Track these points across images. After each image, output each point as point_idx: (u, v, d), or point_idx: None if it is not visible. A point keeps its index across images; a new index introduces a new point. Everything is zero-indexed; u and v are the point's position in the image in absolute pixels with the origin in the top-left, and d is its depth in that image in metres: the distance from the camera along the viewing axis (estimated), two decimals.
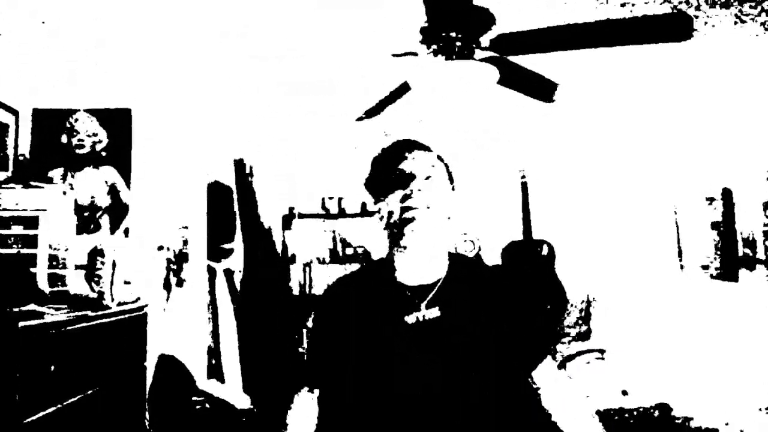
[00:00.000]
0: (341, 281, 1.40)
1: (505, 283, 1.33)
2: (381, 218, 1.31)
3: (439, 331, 1.24)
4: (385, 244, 1.36)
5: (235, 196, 4.28)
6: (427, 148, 1.34)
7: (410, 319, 1.26)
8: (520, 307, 1.32)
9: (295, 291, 5.39)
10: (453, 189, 1.35)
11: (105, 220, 2.91)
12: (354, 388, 1.27)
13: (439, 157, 1.35)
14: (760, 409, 3.42)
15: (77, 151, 2.98)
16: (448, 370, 1.21)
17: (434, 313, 1.25)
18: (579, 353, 4.20)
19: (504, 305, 1.30)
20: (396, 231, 1.27)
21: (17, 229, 2.42)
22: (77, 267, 2.61)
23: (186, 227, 3.53)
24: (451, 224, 1.31)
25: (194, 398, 3.09)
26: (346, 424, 1.28)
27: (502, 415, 1.23)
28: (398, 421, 1.21)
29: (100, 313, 2.37)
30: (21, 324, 1.88)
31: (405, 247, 1.28)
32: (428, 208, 1.25)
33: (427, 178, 1.27)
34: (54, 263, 2.47)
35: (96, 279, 2.59)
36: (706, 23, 2.59)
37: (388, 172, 1.30)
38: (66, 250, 2.56)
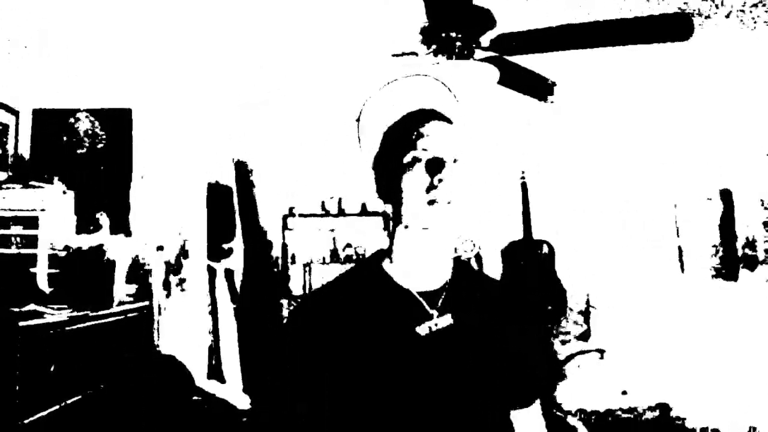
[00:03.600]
0: (319, 297, 1.13)
1: (513, 296, 1.18)
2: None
3: (454, 341, 1.05)
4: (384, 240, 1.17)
5: (235, 196, 4.28)
6: (448, 120, 1.12)
7: (422, 329, 1.05)
8: (526, 322, 1.16)
9: (297, 291, 5.39)
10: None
11: (105, 220, 2.91)
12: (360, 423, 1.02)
13: (459, 126, 1.14)
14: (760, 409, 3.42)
15: (77, 151, 2.98)
16: (467, 386, 1.03)
17: (447, 320, 1.06)
18: (579, 353, 4.20)
19: (513, 319, 1.14)
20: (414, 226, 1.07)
21: (17, 229, 2.42)
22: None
23: (186, 227, 3.53)
24: (468, 214, 1.10)
25: (194, 398, 3.09)
26: None
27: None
28: None
29: (100, 313, 2.37)
30: (21, 324, 1.88)
31: (416, 246, 1.09)
32: (449, 203, 1.04)
33: (455, 161, 1.06)
34: (54, 263, 2.47)
35: (96, 279, 2.59)
36: (705, 22, 2.59)
37: (406, 148, 1.07)
38: (66, 249, 2.56)
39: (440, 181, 1.03)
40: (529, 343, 1.14)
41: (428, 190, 1.04)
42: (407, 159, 1.07)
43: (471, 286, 1.14)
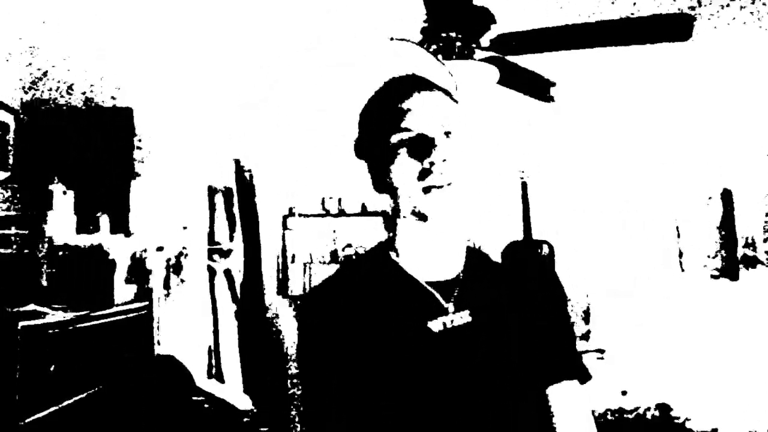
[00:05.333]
0: (326, 286, 1.01)
1: (531, 285, 1.06)
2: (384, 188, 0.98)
3: (471, 340, 0.93)
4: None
5: (235, 196, 4.28)
6: (435, 87, 0.97)
7: (435, 325, 0.93)
8: (546, 312, 1.05)
9: (297, 291, 5.39)
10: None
11: (105, 220, 2.91)
12: (366, 421, 0.93)
13: (449, 95, 0.98)
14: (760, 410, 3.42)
15: (77, 151, 2.98)
16: (483, 388, 0.93)
17: (464, 317, 0.94)
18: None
19: (532, 309, 1.02)
20: (417, 216, 0.95)
21: (17, 229, 2.42)
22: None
23: (186, 227, 3.53)
24: (472, 189, 0.98)
25: (194, 398, 3.09)
26: None
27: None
28: None
29: (100, 313, 2.37)
30: (21, 324, 1.88)
31: (420, 238, 0.98)
32: (449, 185, 0.91)
33: (447, 134, 0.93)
34: (54, 263, 2.47)
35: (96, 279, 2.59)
36: (707, 21, 2.59)
37: (388, 131, 0.94)
38: (66, 249, 2.56)
39: (432, 164, 0.90)
40: (548, 333, 1.03)
41: (420, 176, 0.91)
42: (392, 143, 0.93)
43: (487, 277, 1.02)
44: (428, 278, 0.97)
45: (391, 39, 1.02)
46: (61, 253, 2.52)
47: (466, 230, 1.05)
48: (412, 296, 0.96)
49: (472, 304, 0.96)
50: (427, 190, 0.91)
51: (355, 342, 0.93)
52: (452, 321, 0.94)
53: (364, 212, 5.34)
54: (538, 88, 2.62)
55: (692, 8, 2.43)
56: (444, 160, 0.91)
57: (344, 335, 0.94)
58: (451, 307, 0.95)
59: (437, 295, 0.96)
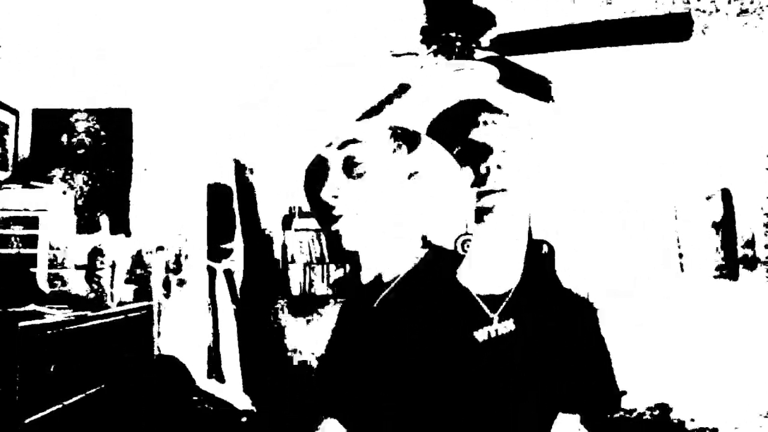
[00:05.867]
0: (388, 288, 1.07)
1: (584, 312, 1.13)
2: None
3: (514, 350, 0.99)
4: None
5: (235, 196, 4.28)
6: (499, 111, 1.10)
7: (481, 335, 0.99)
8: (586, 343, 1.10)
9: (297, 291, 5.39)
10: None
11: (105, 220, 2.91)
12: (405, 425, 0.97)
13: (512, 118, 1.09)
14: (760, 415, 3.42)
15: (77, 151, 2.98)
16: (520, 397, 0.98)
17: (508, 326, 1.00)
18: None
19: (576, 334, 1.08)
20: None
21: (17, 229, 2.42)
22: (77, 267, 2.61)
23: (186, 227, 3.53)
24: (531, 207, 1.03)
25: (194, 398, 3.09)
26: None
27: None
28: None
29: (99, 313, 2.37)
30: (21, 324, 1.88)
31: (477, 241, 1.02)
32: (504, 190, 0.99)
33: (504, 151, 1.03)
34: (54, 263, 2.47)
35: (96, 279, 2.59)
36: (706, 22, 2.58)
37: (453, 143, 1.04)
38: (66, 249, 2.56)
39: (488, 169, 0.99)
40: (587, 358, 1.07)
41: (474, 182, 1.00)
42: (454, 154, 1.03)
43: (540, 290, 1.08)
44: (482, 289, 1.02)
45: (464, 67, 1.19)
46: (61, 253, 2.52)
47: (524, 241, 1.09)
48: (461, 306, 1.01)
49: (516, 313, 1.01)
50: (480, 195, 1.00)
51: (400, 345, 0.98)
52: (496, 330, 0.99)
53: None
54: (538, 88, 2.62)
55: (697, 9, 2.43)
56: (498, 167, 1.00)
57: (390, 338, 0.99)
58: (496, 317, 1.00)
59: (484, 306, 1.01)
